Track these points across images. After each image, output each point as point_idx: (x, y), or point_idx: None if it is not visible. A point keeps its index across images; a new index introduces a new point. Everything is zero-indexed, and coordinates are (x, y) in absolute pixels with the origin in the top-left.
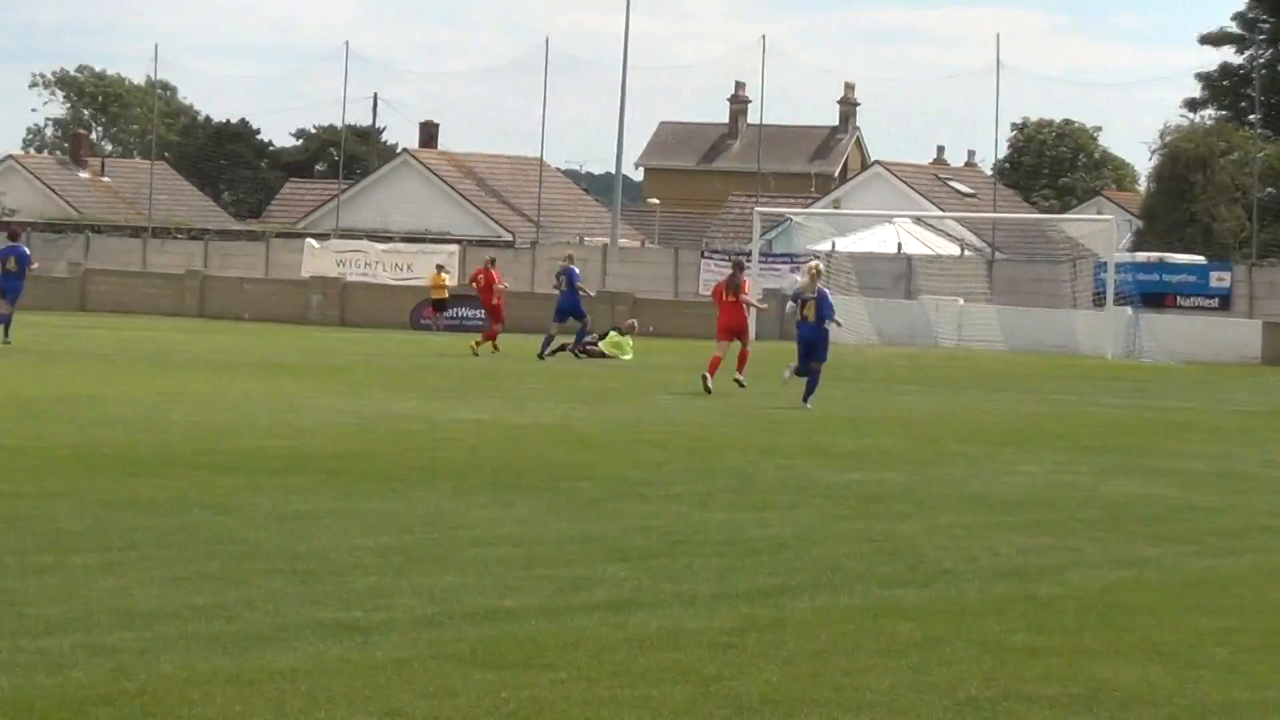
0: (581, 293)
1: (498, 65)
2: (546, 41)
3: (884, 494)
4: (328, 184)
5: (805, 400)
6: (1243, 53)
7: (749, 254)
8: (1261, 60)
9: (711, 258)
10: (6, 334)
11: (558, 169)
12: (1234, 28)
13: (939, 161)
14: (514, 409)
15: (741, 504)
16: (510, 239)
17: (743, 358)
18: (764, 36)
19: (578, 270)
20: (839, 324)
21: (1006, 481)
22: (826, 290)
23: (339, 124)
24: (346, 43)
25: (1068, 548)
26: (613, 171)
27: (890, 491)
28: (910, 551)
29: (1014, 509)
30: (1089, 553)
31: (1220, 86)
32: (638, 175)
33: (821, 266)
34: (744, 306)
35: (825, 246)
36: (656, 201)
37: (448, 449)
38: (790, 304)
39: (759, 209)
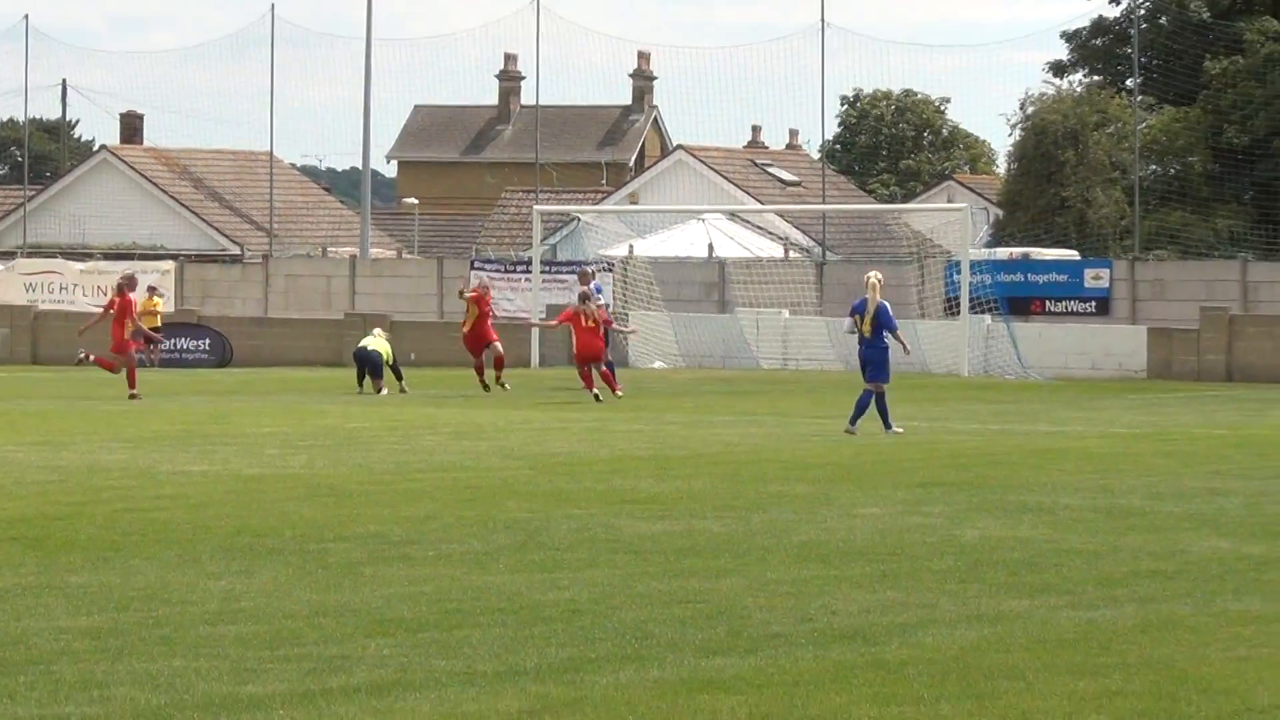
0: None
1: (212, 41)
2: (272, 9)
3: (697, 546)
4: (9, 191)
5: (888, 428)
6: (1117, 3)
7: (526, 261)
8: (1141, 10)
9: (483, 268)
10: None
11: (292, 165)
12: None
13: (755, 144)
14: (248, 456)
15: (527, 563)
16: (238, 251)
17: (608, 378)
18: None
19: None
20: (905, 346)
21: (844, 527)
22: (887, 303)
23: (20, 117)
24: (26, 17)
25: (919, 603)
26: (359, 167)
27: (705, 543)
28: (731, 613)
29: (854, 559)
30: (944, 608)
31: (1091, 46)
32: (391, 170)
33: (880, 278)
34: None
35: (620, 250)
36: (414, 202)
37: (170, 508)
38: (847, 320)
39: (539, 207)
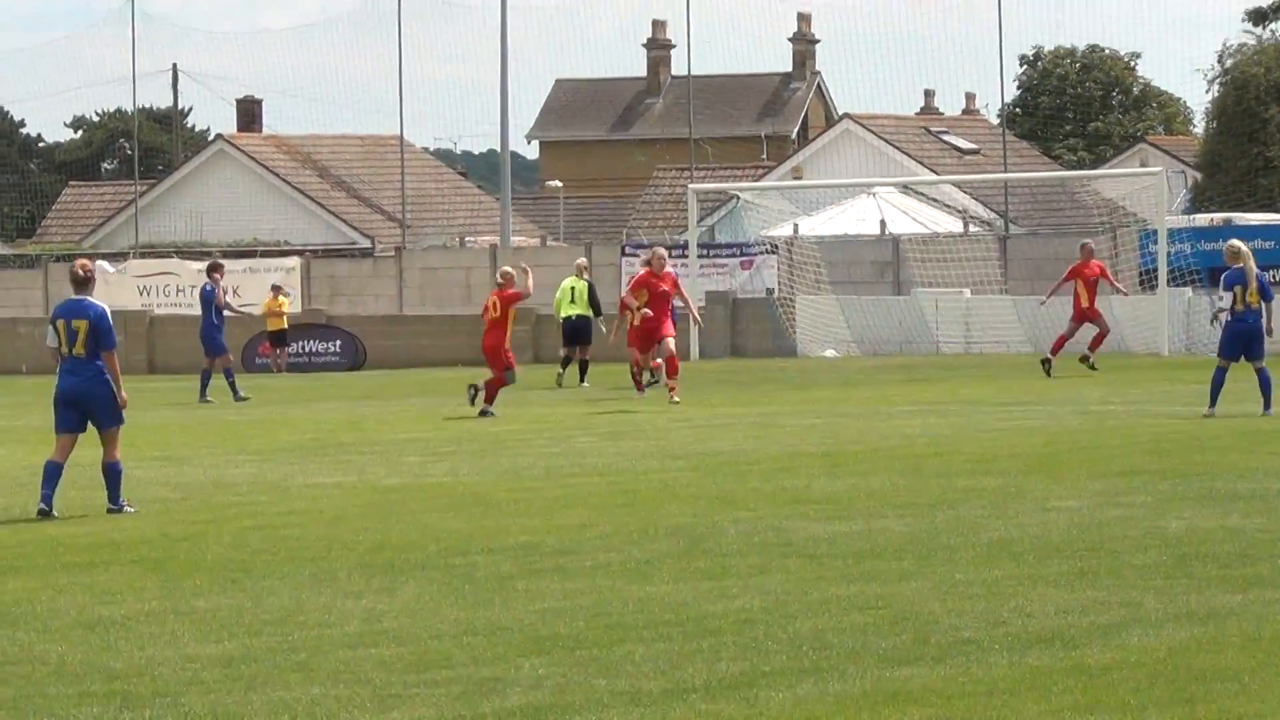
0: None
1: (333, 18)
2: None
3: (877, 548)
4: (120, 186)
5: (1267, 409)
6: None
7: (682, 245)
8: None
9: (635, 254)
10: None
11: (425, 149)
12: None
13: (929, 110)
14: (386, 465)
15: (692, 572)
16: (369, 244)
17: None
18: None
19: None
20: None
21: (1038, 522)
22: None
23: (129, 107)
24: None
25: (1122, 602)
26: (497, 149)
27: (885, 544)
28: (917, 618)
29: (1049, 557)
30: (1149, 607)
31: None
32: (531, 151)
33: (1242, 246)
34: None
35: (785, 230)
36: (559, 184)
37: (303, 524)
38: (1226, 296)
39: (694, 186)
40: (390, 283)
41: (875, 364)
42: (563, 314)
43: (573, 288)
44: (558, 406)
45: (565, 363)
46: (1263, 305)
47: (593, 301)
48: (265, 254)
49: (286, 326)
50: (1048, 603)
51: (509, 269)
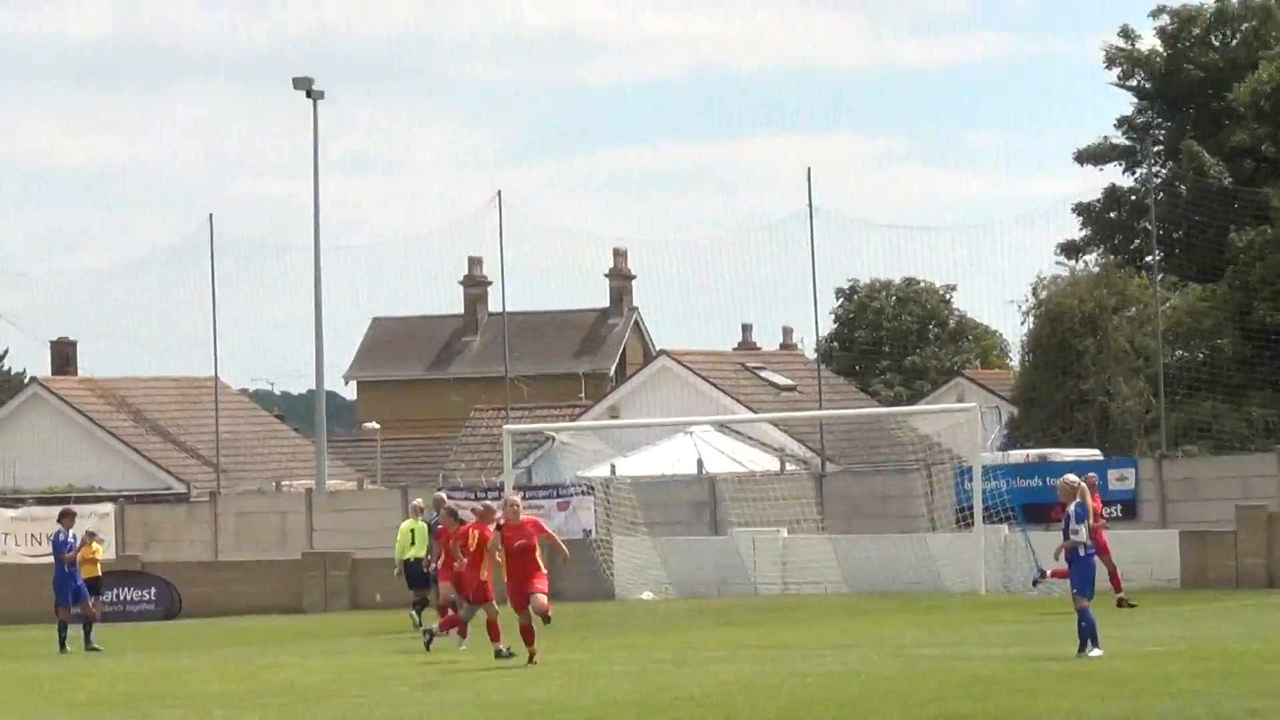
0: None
1: (148, 258)
2: (210, 220)
3: None
4: None
5: (1083, 650)
6: (1132, 171)
7: (498, 486)
8: (1158, 180)
9: (453, 496)
10: None
11: (243, 391)
12: (1119, 137)
13: (746, 345)
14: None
15: None
16: (184, 489)
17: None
18: (500, 192)
19: None
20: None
21: None
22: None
23: None
24: None
25: None
26: (316, 390)
27: None
28: None
29: None
30: None
31: (1106, 220)
32: (350, 392)
33: (1079, 479)
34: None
35: (602, 470)
36: (376, 426)
37: None
38: (1075, 529)
39: (509, 427)
40: (205, 528)
41: (692, 606)
42: (405, 556)
43: (412, 529)
44: (374, 656)
45: (417, 605)
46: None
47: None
48: (79, 500)
49: (100, 574)
50: None
51: (490, 503)
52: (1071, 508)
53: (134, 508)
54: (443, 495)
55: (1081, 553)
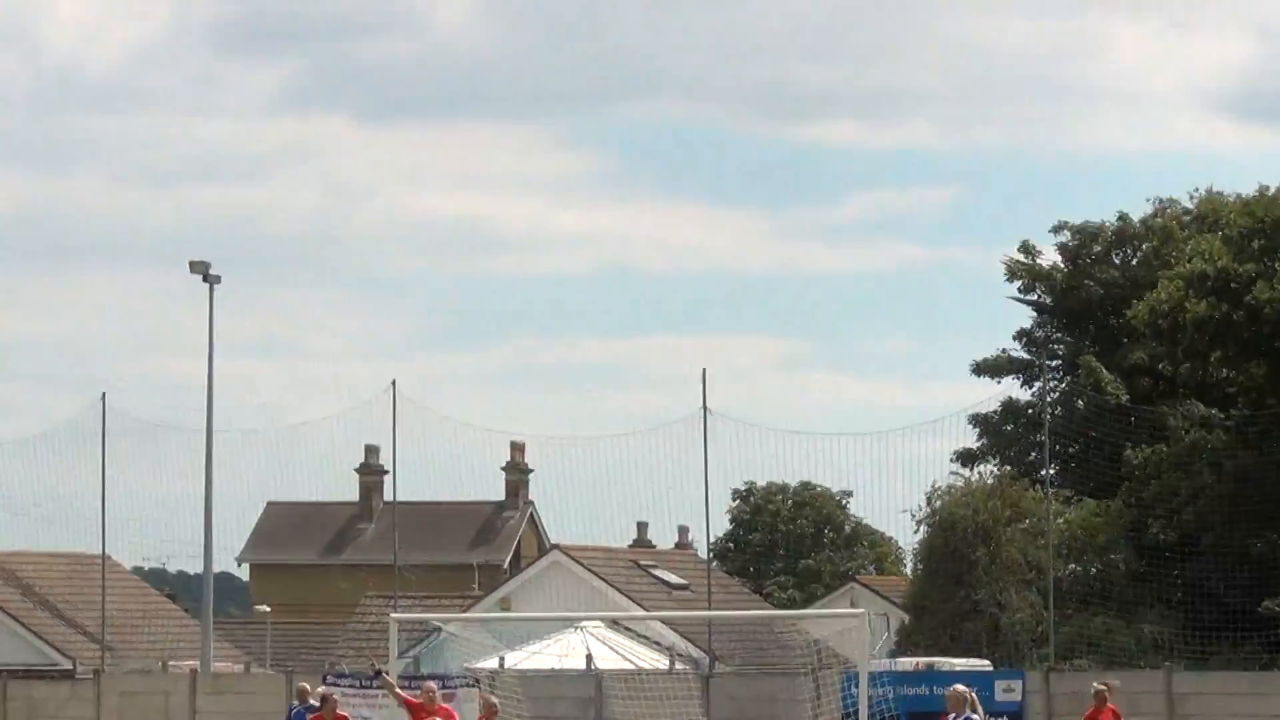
0: None
1: (41, 433)
2: (103, 398)
3: None
4: None
5: None
6: (1030, 384)
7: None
8: (1054, 394)
9: (337, 684)
10: None
11: (136, 569)
12: (1018, 350)
13: (641, 542)
14: None
15: None
16: (69, 666)
17: None
18: (394, 382)
19: None
20: None
21: None
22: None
23: None
24: None
25: None
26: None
27: None
28: None
29: None
30: None
31: (1002, 432)
32: (244, 573)
33: (967, 691)
34: None
35: (490, 663)
36: (267, 609)
37: None
38: None
39: (395, 615)
40: (88, 706)
41: None
42: None
43: None
44: None
45: None
46: None
47: None
48: None
49: None
50: None
51: (493, 699)
52: (961, 718)
53: (17, 683)
54: (325, 691)
55: None
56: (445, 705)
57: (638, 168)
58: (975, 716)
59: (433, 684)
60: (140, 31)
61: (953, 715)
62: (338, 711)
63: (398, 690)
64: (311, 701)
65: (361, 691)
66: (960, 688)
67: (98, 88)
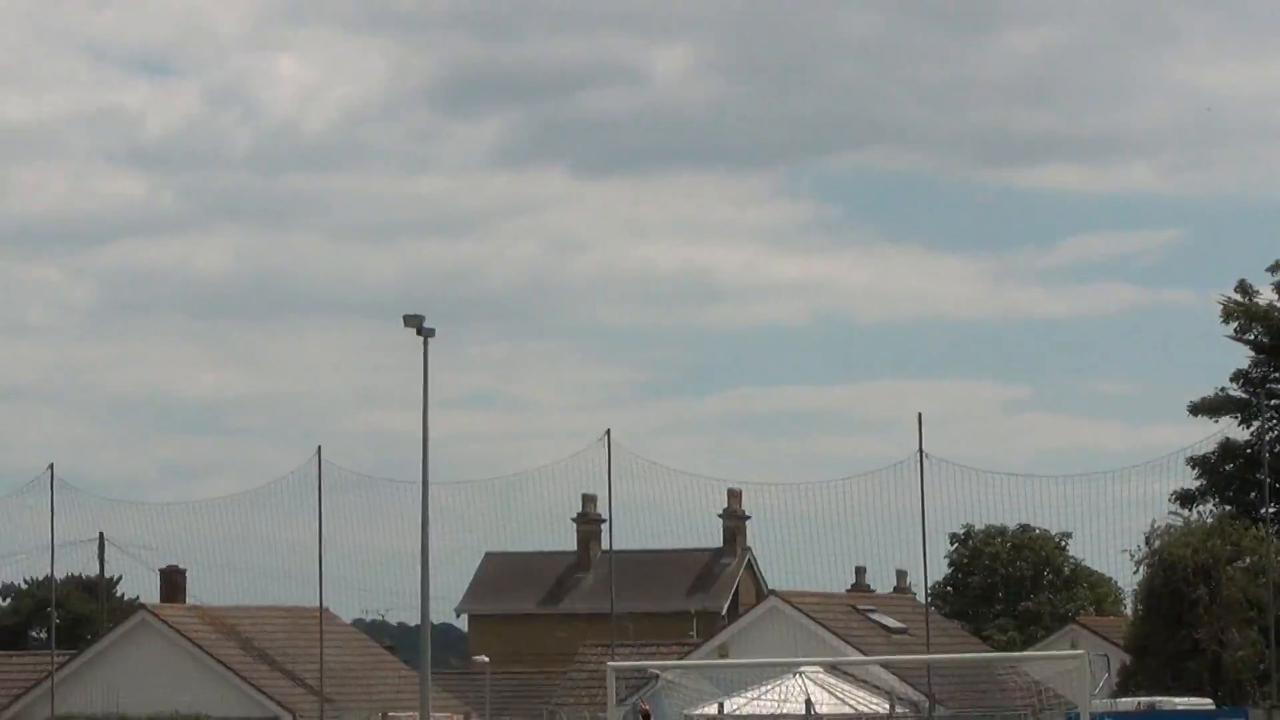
0: None
1: (259, 488)
2: (318, 451)
3: None
4: (41, 656)
5: None
6: (1248, 424)
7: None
8: (1273, 433)
9: None
10: None
11: (358, 620)
12: (1236, 390)
13: (859, 587)
14: None
15: None
16: (290, 718)
17: None
18: (609, 431)
19: None
20: None
21: None
22: None
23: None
24: (51, 467)
25: None
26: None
27: None
28: None
29: None
30: None
31: (1221, 472)
32: (463, 624)
33: None
34: None
35: (709, 709)
36: (485, 659)
37: None
38: None
39: (612, 664)
40: None
41: None
42: None
43: None
44: None
45: None
46: None
47: None
48: None
49: None
50: None
51: None
52: None
53: None
54: None
55: None
56: None
57: (855, 215)
58: None
59: None
60: (358, 89)
61: None
62: None
63: None
64: None
65: None
66: None
67: (318, 146)
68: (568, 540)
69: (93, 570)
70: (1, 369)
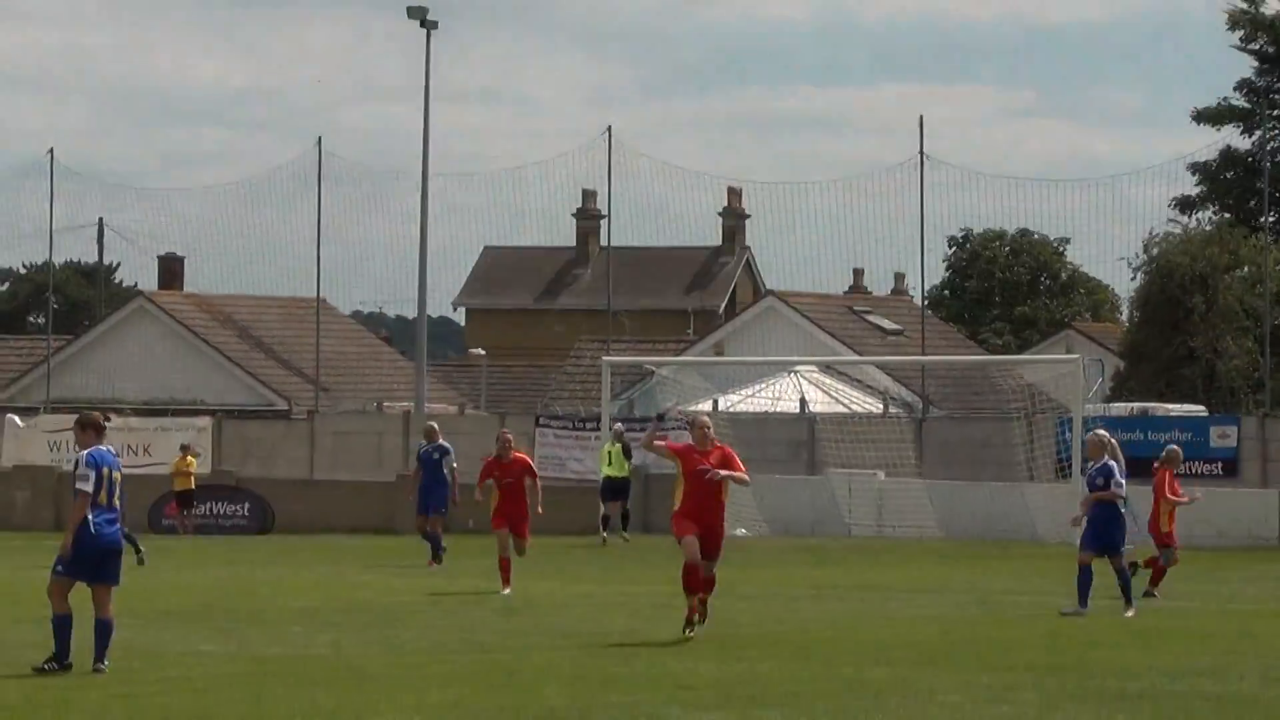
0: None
1: (259, 177)
2: (319, 142)
3: None
4: (38, 341)
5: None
6: (1250, 133)
7: (596, 418)
8: (1274, 142)
9: (549, 425)
10: None
11: (356, 313)
12: (1239, 99)
13: (858, 289)
14: (269, 634)
15: None
16: (285, 406)
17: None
18: (610, 128)
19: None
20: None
21: (918, 717)
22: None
23: (56, 260)
24: (50, 152)
25: None
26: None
27: None
28: None
29: None
30: None
31: (1221, 180)
32: (460, 318)
33: (1107, 435)
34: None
35: (704, 407)
36: (481, 352)
37: (172, 693)
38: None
39: (607, 359)
40: (303, 445)
41: (784, 544)
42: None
43: (609, 451)
44: (460, 579)
45: (604, 520)
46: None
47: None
48: (177, 412)
49: (194, 487)
50: None
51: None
52: (1099, 464)
53: (232, 423)
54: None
55: (1122, 508)
56: (725, 446)
57: None
58: (1115, 464)
59: (706, 418)
60: None
61: (1091, 463)
62: (515, 454)
63: (658, 443)
64: (441, 441)
65: (574, 434)
66: (1101, 433)
67: None
68: (567, 236)
69: (91, 256)
70: (2, 55)
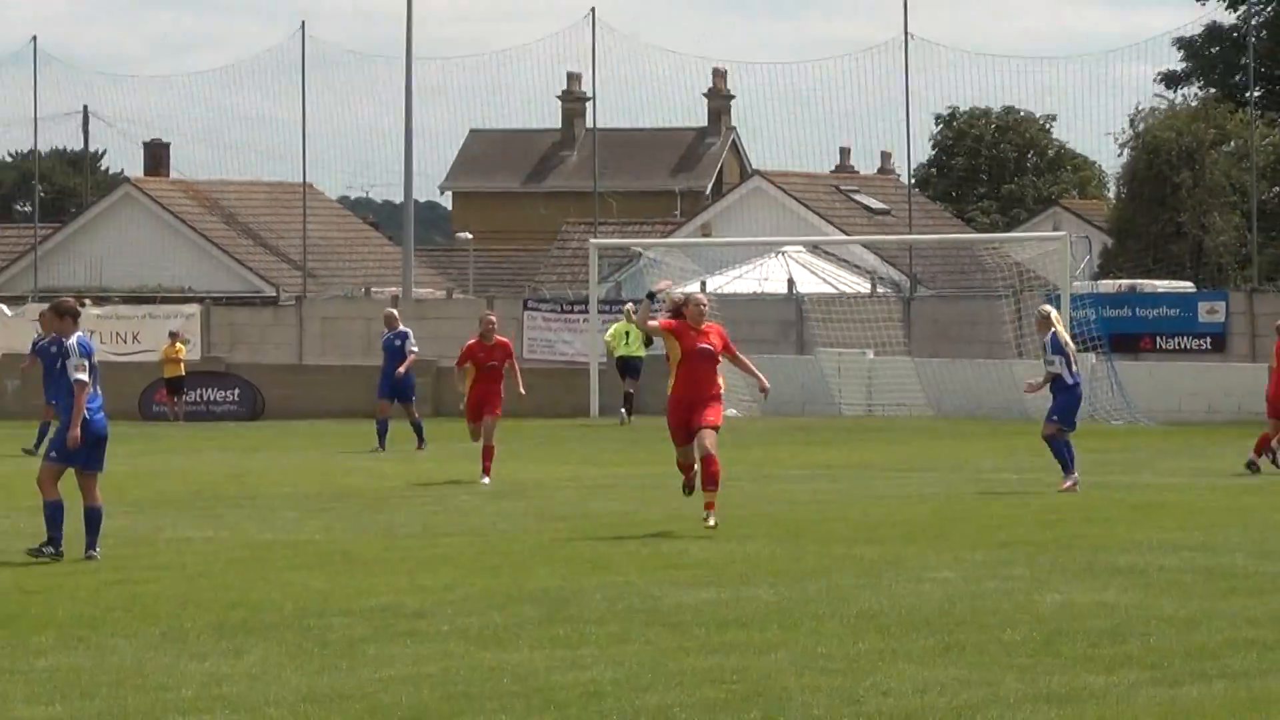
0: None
1: (243, 62)
2: (302, 26)
3: (743, 617)
4: (24, 229)
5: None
6: (1235, 7)
7: (584, 300)
8: (1260, 17)
9: (538, 308)
10: None
11: (343, 198)
12: None
13: (844, 168)
14: (260, 520)
15: (550, 639)
16: (273, 293)
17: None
18: (594, 9)
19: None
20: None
21: (911, 593)
22: (1055, 336)
23: (42, 148)
24: (34, 39)
25: (983, 681)
26: (415, 198)
27: (752, 613)
28: (770, 695)
29: (917, 630)
30: (1011, 687)
31: (1207, 55)
32: (448, 201)
33: (1050, 312)
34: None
35: (691, 288)
36: (468, 236)
37: (163, 579)
38: (1051, 359)
39: (595, 241)
40: (291, 331)
41: (774, 425)
42: (617, 354)
43: (626, 331)
44: (449, 464)
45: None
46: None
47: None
48: (165, 300)
49: (184, 374)
50: (907, 680)
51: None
52: (1047, 339)
53: (220, 309)
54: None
55: (1069, 381)
56: (715, 325)
57: None
58: (1059, 334)
59: (702, 295)
60: None
61: (1039, 336)
62: (497, 337)
63: (651, 321)
64: (402, 328)
65: (562, 316)
66: (1045, 308)
67: None
68: (552, 118)
69: (77, 144)
70: None
